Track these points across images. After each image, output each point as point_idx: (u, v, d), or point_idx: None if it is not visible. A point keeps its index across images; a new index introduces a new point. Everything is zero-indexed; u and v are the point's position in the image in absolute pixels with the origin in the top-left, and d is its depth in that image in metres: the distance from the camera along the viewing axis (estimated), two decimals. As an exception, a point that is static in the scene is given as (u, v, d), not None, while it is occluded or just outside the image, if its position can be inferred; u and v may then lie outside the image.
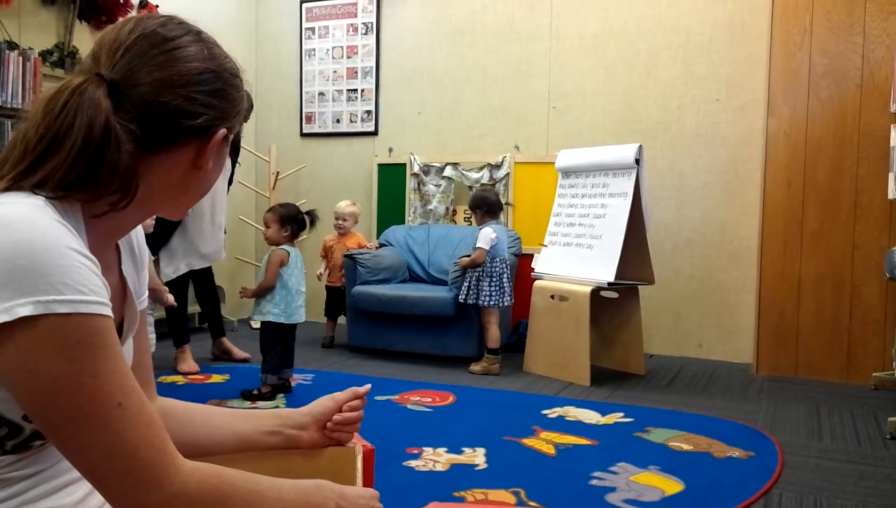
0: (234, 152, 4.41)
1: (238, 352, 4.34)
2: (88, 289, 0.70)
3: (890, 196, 3.67)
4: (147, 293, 1.01)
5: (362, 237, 4.94)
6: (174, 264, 4.00)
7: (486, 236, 4.08)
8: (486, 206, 4.23)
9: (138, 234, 0.99)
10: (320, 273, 4.85)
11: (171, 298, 3.38)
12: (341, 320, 4.84)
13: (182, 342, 4.05)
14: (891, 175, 3.66)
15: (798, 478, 2.53)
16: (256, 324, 3.55)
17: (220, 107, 0.85)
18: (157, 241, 3.94)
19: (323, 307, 4.92)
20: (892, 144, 3.67)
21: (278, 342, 3.51)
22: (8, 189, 0.75)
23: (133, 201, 0.80)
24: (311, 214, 3.62)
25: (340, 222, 4.82)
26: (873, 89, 3.94)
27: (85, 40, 4.27)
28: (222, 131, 0.87)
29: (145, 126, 0.79)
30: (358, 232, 4.94)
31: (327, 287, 4.88)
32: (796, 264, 4.11)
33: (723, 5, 4.48)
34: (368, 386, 1.14)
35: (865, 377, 3.91)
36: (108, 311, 0.72)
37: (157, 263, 3.99)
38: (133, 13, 4.42)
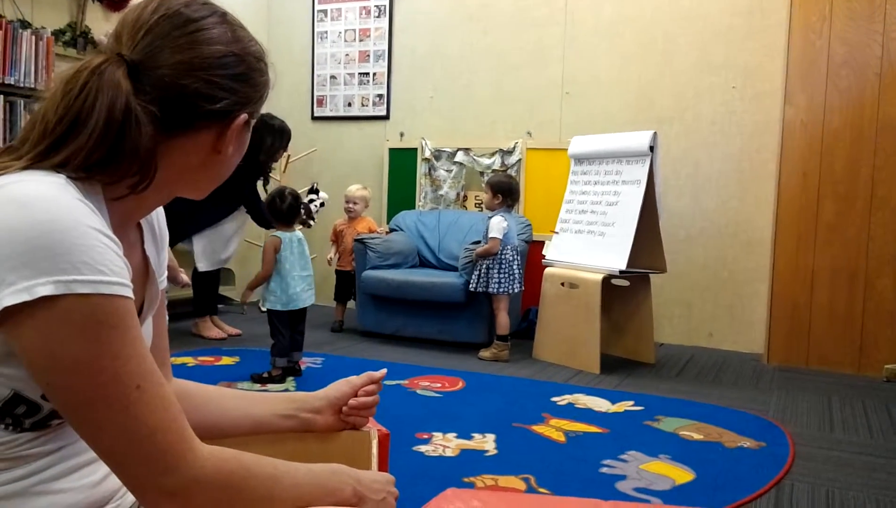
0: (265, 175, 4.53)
1: (230, 329, 4.48)
2: (109, 270, 0.70)
3: (907, 187, 3.63)
4: (166, 273, 1.00)
5: (373, 222, 4.94)
6: (205, 262, 4.39)
7: (498, 225, 4.06)
8: (511, 196, 4.18)
9: (159, 214, 0.98)
10: (330, 257, 4.85)
11: (185, 277, 3.41)
12: (351, 304, 4.84)
13: (213, 312, 4.47)
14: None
15: (810, 469, 2.52)
16: (265, 307, 3.56)
17: (242, 91, 0.84)
18: (182, 229, 4.22)
19: (333, 291, 4.92)
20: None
21: (284, 326, 3.50)
22: (27, 168, 0.74)
23: (152, 184, 0.79)
24: (307, 208, 3.61)
25: (351, 205, 4.81)
26: (893, 79, 3.88)
27: (97, 20, 4.26)
28: (243, 116, 0.85)
29: (165, 109, 0.78)
30: (368, 216, 4.94)
31: (337, 271, 4.88)
32: (810, 256, 4.07)
33: (741, -8, 4.42)
34: (384, 371, 1.14)
35: (877, 369, 3.89)
36: (129, 292, 0.72)
37: (182, 252, 4.29)
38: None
